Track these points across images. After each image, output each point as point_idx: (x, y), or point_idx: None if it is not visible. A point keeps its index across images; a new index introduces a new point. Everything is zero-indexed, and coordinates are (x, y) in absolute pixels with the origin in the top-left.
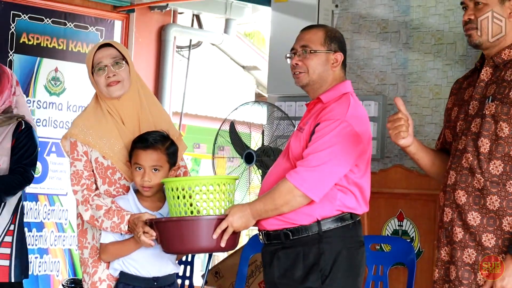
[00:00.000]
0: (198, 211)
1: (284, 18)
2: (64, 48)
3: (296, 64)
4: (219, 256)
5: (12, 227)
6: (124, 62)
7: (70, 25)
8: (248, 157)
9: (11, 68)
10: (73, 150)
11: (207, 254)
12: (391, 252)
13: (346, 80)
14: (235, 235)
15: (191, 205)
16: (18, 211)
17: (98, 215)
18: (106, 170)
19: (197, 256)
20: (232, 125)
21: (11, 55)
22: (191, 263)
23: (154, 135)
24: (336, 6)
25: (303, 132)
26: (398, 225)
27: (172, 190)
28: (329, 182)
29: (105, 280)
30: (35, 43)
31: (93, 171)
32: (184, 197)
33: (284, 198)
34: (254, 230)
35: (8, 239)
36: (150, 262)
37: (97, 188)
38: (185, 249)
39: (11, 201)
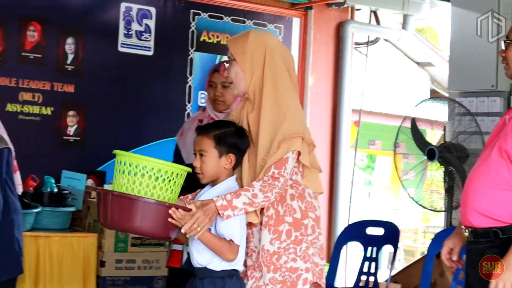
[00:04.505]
0: (133, 191)
1: (464, 13)
2: None
3: (501, 55)
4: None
5: None
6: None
7: (249, 22)
8: (430, 153)
9: (191, 66)
10: None
11: (391, 250)
12: None
13: None
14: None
15: (133, 183)
16: None
17: None
18: None
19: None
20: (414, 121)
21: (191, 53)
22: (376, 259)
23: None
24: None
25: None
26: None
27: (120, 163)
28: None
29: None
30: (215, 41)
31: None
32: (129, 173)
33: None
34: (437, 228)
35: None
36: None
37: None
38: (119, 226)
39: None
